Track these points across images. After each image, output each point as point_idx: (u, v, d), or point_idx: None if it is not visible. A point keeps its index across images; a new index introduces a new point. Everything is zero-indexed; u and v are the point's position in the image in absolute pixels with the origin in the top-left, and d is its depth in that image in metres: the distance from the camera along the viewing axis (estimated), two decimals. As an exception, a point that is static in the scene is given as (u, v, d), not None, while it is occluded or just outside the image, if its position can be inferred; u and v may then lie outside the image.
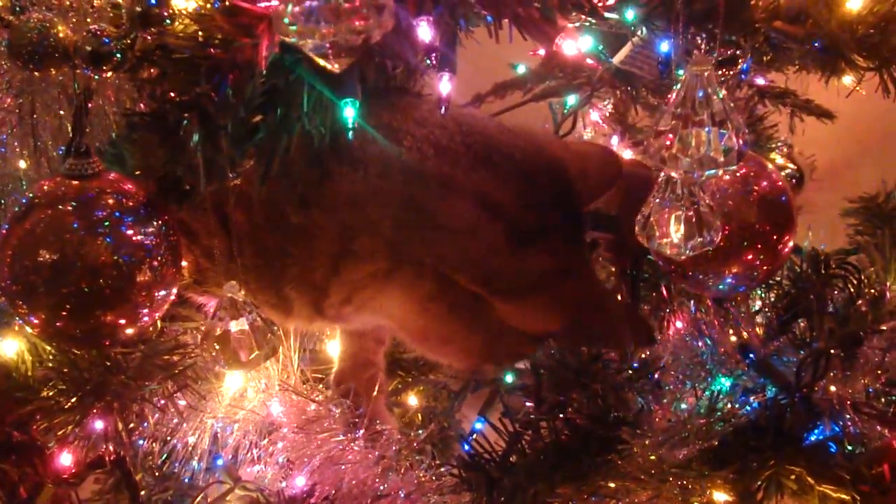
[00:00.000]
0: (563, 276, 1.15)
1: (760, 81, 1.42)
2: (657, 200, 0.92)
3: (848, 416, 1.13)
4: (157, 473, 1.45)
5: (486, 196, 1.13)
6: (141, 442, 1.26)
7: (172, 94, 0.95)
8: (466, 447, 1.25)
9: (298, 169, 1.10)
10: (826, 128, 1.50)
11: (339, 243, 1.14)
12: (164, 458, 1.29)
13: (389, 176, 1.12)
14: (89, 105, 1.03)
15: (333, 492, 1.21)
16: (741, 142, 0.86)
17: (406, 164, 1.12)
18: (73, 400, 1.11)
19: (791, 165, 1.53)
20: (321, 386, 1.37)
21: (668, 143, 0.86)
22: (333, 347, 1.50)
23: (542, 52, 1.47)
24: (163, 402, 1.17)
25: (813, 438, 1.16)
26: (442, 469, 1.22)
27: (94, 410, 1.12)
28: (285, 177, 1.08)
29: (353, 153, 1.12)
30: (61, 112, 1.13)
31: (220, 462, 1.45)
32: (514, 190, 1.14)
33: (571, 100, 1.49)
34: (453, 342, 1.21)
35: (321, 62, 0.84)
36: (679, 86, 0.86)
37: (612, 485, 1.10)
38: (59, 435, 1.13)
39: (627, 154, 1.58)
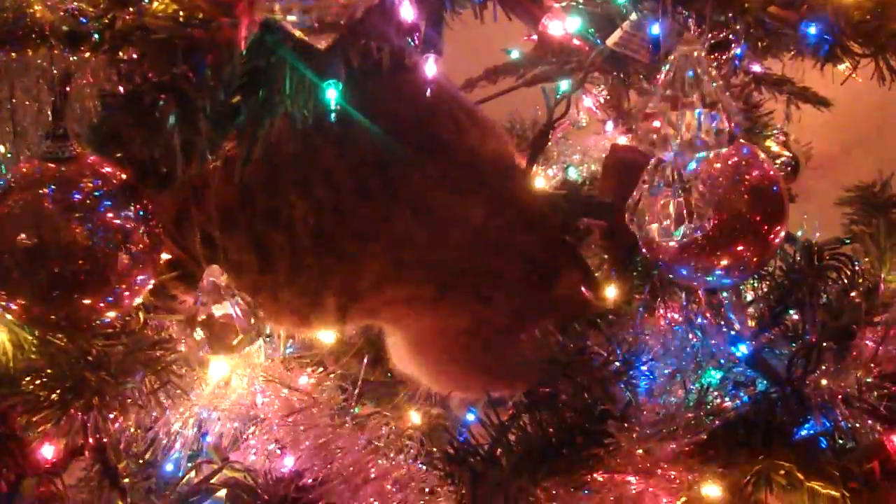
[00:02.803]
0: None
1: (756, 68, 1.39)
2: (647, 187, 0.89)
3: (839, 411, 1.11)
4: (140, 461, 1.44)
5: (532, 257, 1.26)
6: (124, 430, 1.24)
7: (150, 75, 0.93)
8: (461, 438, 1.24)
9: (353, 202, 1.17)
10: (823, 115, 1.48)
11: (389, 270, 1.21)
12: (147, 445, 1.28)
13: (450, 229, 1.22)
14: (68, 88, 1.00)
15: (321, 476, 1.20)
16: (732, 124, 0.84)
17: (469, 220, 1.22)
18: (53, 396, 1.09)
19: (787, 153, 1.51)
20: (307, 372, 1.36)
21: (657, 125, 0.84)
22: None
23: (535, 36, 1.45)
24: (144, 398, 1.15)
25: (803, 433, 1.14)
26: (428, 458, 1.22)
27: (75, 406, 1.10)
28: (337, 210, 1.16)
29: (415, 199, 1.19)
30: (41, 96, 1.11)
31: (208, 439, 1.43)
32: (549, 253, 1.28)
33: (564, 85, 1.47)
34: (469, 371, 1.31)
35: (304, 38, 0.82)
36: (668, 67, 0.83)
37: (599, 479, 1.08)
38: (40, 431, 1.11)
39: (622, 140, 1.55)
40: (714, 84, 0.83)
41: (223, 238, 1.17)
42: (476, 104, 1.41)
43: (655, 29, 1.07)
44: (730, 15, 1.00)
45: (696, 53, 0.82)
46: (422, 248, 1.21)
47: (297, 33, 0.82)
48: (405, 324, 1.29)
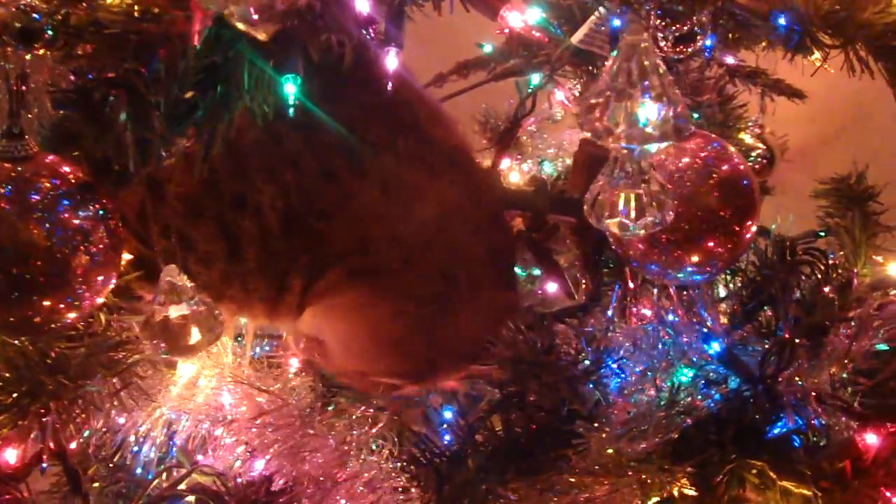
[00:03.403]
0: None
1: (730, 60, 1.38)
2: (606, 178, 0.88)
3: (812, 408, 1.10)
4: (109, 465, 1.42)
5: (496, 249, 1.27)
6: (90, 433, 1.22)
7: (101, 71, 0.91)
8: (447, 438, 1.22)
9: (319, 184, 1.17)
10: (798, 108, 1.47)
11: (354, 243, 1.20)
12: (115, 448, 1.26)
13: (419, 203, 1.21)
14: (24, 86, 0.98)
15: (292, 479, 1.19)
16: (678, 115, 0.82)
17: (439, 197, 1.22)
18: (9, 400, 1.07)
19: (761, 146, 1.50)
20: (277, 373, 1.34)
21: (600, 115, 0.82)
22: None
23: (507, 30, 1.44)
24: (106, 402, 1.13)
25: (776, 431, 1.13)
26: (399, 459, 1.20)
27: (32, 410, 1.08)
28: (304, 192, 1.16)
29: (385, 176, 1.19)
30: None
31: (176, 441, 1.42)
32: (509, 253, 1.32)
33: (536, 79, 1.45)
34: (400, 349, 1.27)
35: (246, 29, 0.80)
36: (614, 56, 0.82)
37: (570, 479, 1.07)
38: (-1, 435, 1.10)
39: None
40: (661, 75, 0.81)
41: (190, 229, 1.16)
42: (445, 99, 1.40)
43: (615, 22, 1.06)
44: (694, 7, 0.99)
45: (642, 44, 0.81)
46: (389, 222, 1.20)
47: (240, 26, 0.80)
48: (360, 292, 1.25)
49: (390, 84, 1.15)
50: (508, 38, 1.40)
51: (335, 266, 1.21)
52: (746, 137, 1.46)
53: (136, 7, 0.91)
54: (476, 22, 1.45)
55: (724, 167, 1.07)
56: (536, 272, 1.54)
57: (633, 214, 0.88)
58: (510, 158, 1.66)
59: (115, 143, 0.92)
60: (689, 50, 1.06)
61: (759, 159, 1.49)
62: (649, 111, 0.81)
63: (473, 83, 1.49)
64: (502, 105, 1.69)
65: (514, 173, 1.67)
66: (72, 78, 0.95)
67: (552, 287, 1.38)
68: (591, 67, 1.29)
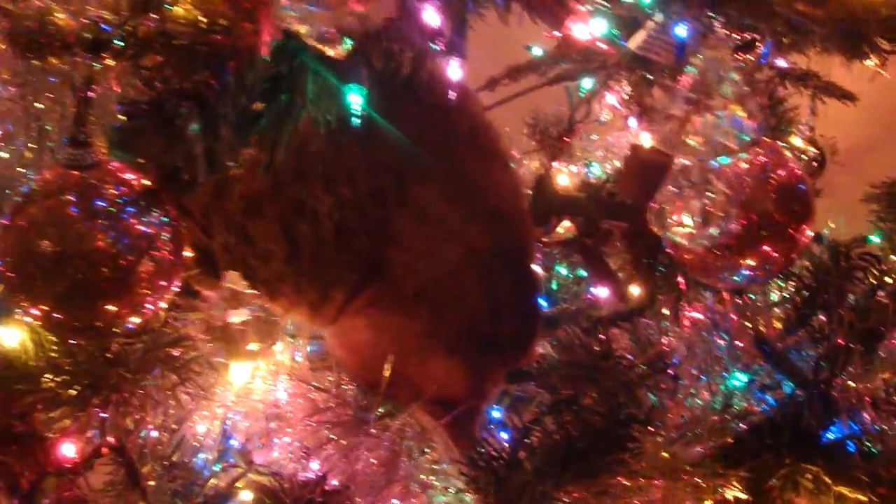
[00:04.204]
0: None
1: (781, 63, 1.37)
2: (671, 188, 0.89)
3: (866, 414, 1.10)
4: (166, 463, 1.44)
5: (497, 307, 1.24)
6: (152, 433, 1.25)
7: (172, 82, 0.92)
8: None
9: (370, 203, 1.18)
10: (848, 110, 1.46)
11: (383, 270, 1.21)
12: (173, 447, 1.28)
13: (447, 245, 1.22)
14: (91, 95, 1.00)
15: (346, 478, 1.20)
16: (755, 127, 0.83)
17: (469, 243, 1.22)
18: (72, 392, 1.09)
19: (812, 148, 1.49)
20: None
21: (679, 127, 0.83)
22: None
23: (557, 34, 1.44)
24: (163, 395, 1.15)
25: (830, 436, 1.13)
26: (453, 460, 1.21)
27: (93, 403, 1.10)
28: (357, 208, 1.17)
29: (423, 208, 1.20)
30: (65, 101, 1.10)
31: (232, 442, 1.44)
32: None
33: (587, 83, 1.46)
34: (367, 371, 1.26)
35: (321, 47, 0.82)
36: (693, 69, 0.83)
37: (625, 483, 1.07)
38: (58, 427, 1.12)
39: (645, 136, 1.54)
40: (738, 88, 0.82)
41: (252, 226, 1.17)
42: (497, 104, 1.41)
43: (679, 31, 1.06)
44: (758, 18, 0.99)
45: (720, 57, 0.82)
46: (414, 253, 1.21)
47: (313, 43, 0.82)
48: (369, 314, 1.26)
49: (452, 105, 1.16)
50: (560, 42, 1.41)
51: (370, 288, 1.22)
52: (797, 140, 1.46)
53: (203, 19, 0.92)
54: (524, 25, 1.46)
55: (782, 172, 1.08)
56: (582, 273, 1.55)
57: (697, 224, 0.89)
58: (557, 161, 1.66)
59: (185, 154, 0.93)
60: (749, 57, 1.07)
61: (809, 162, 1.48)
62: (728, 123, 0.82)
63: (525, 87, 1.49)
64: (550, 107, 1.70)
65: (561, 175, 1.67)
66: (140, 87, 0.97)
67: (604, 292, 1.39)
68: (644, 72, 1.30)
